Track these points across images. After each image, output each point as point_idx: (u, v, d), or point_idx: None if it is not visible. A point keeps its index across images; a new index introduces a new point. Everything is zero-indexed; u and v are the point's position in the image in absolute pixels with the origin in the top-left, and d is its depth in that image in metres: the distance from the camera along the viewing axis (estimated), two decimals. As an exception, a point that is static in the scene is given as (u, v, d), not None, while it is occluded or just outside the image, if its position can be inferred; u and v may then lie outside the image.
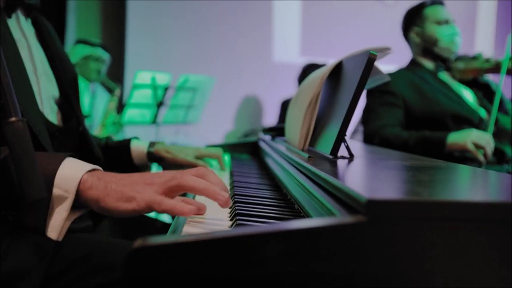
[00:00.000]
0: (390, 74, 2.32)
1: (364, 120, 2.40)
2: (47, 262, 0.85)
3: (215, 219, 0.83)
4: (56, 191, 0.77)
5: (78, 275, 0.95)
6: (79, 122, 1.26)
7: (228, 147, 2.00)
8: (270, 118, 4.80)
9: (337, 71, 1.17)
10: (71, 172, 0.78)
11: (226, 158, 1.77)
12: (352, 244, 0.50)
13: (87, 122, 3.53)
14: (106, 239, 1.11)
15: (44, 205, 0.76)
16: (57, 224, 0.79)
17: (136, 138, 1.52)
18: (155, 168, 1.61)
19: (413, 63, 2.43)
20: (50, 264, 0.90)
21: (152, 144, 1.48)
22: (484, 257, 0.51)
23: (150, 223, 1.49)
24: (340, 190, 0.61)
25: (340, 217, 0.53)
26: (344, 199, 0.59)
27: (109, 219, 1.40)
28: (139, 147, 1.47)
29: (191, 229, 0.75)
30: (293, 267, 0.49)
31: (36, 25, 1.21)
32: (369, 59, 0.96)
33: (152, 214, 3.33)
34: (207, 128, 4.37)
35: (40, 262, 0.83)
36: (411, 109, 2.23)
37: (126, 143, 1.49)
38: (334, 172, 0.75)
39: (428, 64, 2.38)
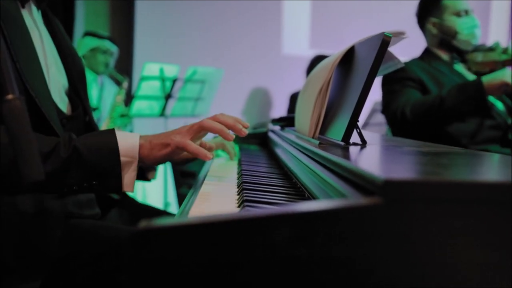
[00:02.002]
0: (405, 63, 2.25)
1: (385, 103, 2.26)
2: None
3: (222, 206, 0.80)
4: (123, 159, 0.98)
5: (86, 259, 0.95)
6: (85, 111, 1.26)
7: (236, 138, 1.96)
8: (279, 111, 4.76)
9: (349, 57, 1.13)
10: (129, 142, 1.00)
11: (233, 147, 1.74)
12: (367, 227, 0.47)
13: (95, 115, 3.52)
14: (114, 225, 1.11)
15: (117, 171, 0.98)
16: (130, 182, 1.00)
17: None
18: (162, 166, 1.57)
19: (428, 53, 2.34)
20: (60, 245, 0.92)
21: None
22: (510, 242, 0.47)
23: (156, 214, 1.47)
24: (354, 173, 0.58)
25: (355, 199, 0.49)
26: (359, 182, 0.55)
27: (116, 209, 1.39)
28: None
29: (198, 214, 0.72)
30: (304, 251, 0.46)
31: (45, 17, 1.22)
32: (383, 41, 0.92)
33: (160, 206, 3.31)
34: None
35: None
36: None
37: None
38: (347, 157, 0.72)
39: (443, 55, 2.30)
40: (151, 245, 0.44)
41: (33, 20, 1.14)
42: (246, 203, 0.77)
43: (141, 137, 1.03)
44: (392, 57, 1.16)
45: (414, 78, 2.17)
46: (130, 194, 1.50)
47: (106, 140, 0.98)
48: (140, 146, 1.01)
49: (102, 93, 3.66)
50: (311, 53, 4.35)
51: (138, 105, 3.25)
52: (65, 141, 0.95)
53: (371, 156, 0.78)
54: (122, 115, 3.45)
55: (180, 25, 4.58)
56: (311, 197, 0.86)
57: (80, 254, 0.94)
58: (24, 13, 1.11)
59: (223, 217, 0.45)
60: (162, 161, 1.05)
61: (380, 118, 3.39)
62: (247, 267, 0.45)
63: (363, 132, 1.00)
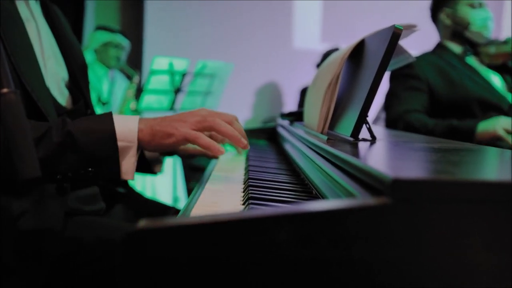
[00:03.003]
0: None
1: (387, 105, 2.30)
2: (61, 225, 0.94)
3: (227, 204, 0.78)
4: (121, 144, 0.93)
5: (86, 258, 0.93)
6: (87, 105, 1.24)
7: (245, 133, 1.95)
8: (290, 106, 4.72)
9: (359, 50, 1.10)
10: (127, 126, 0.94)
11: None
12: (375, 228, 0.44)
13: (105, 109, 3.52)
14: (116, 223, 1.09)
15: (115, 157, 0.92)
16: (129, 168, 0.95)
17: None
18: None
19: (440, 46, 2.31)
20: (60, 244, 0.90)
21: None
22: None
23: (163, 210, 1.45)
24: (361, 171, 0.55)
25: (361, 199, 0.47)
26: (367, 180, 0.53)
27: (122, 203, 1.38)
28: None
29: (200, 213, 0.70)
30: (309, 253, 0.43)
31: (44, 8, 1.19)
32: (394, 33, 0.89)
33: (170, 202, 3.28)
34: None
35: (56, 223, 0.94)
36: (436, 94, 2.13)
37: None
38: (355, 153, 0.69)
39: (456, 48, 2.26)
40: (147, 246, 0.43)
41: (30, 11, 1.10)
42: (251, 201, 0.75)
43: (141, 120, 0.96)
44: (403, 51, 1.13)
45: (420, 77, 2.15)
46: (136, 189, 1.48)
47: (102, 124, 0.93)
48: (139, 131, 0.94)
49: (113, 87, 3.65)
50: (323, 47, 4.30)
51: (147, 99, 3.25)
52: (58, 125, 0.91)
53: (380, 153, 0.75)
54: (132, 110, 3.45)
55: (190, 19, 4.56)
56: (318, 194, 0.84)
57: (81, 253, 0.92)
58: (20, 4, 1.07)
59: (221, 218, 0.43)
60: (164, 149, 0.99)
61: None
62: (247, 270, 0.43)
63: (373, 127, 0.98)
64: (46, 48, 1.12)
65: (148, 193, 3.27)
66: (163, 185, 3.43)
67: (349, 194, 0.58)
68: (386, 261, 0.45)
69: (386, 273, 0.45)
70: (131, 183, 1.47)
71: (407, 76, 2.17)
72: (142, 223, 0.43)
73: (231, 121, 0.99)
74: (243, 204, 0.78)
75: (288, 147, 1.43)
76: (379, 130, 1.37)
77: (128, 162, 0.94)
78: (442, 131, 1.99)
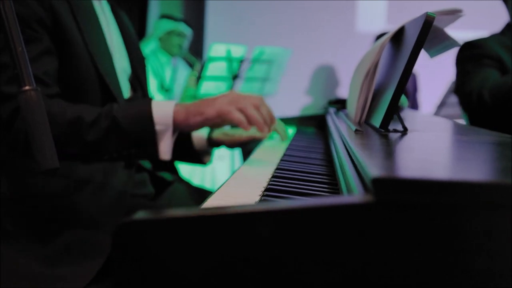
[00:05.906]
0: (482, 39, 2.07)
1: (458, 84, 2.06)
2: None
3: (245, 195, 0.80)
4: (158, 127, 1.04)
5: None
6: (145, 97, 1.35)
7: (295, 120, 1.95)
8: (352, 91, 4.63)
9: (400, 37, 1.07)
10: (163, 110, 1.04)
11: (290, 131, 1.73)
12: (355, 229, 0.44)
13: (168, 96, 3.64)
14: (162, 208, 1.15)
15: (153, 140, 1.04)
16: (166, 149, 1.05)
17: None
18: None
19: (509, 27, 2.15)
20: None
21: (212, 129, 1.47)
22: None
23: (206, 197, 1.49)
24: (361, 166, 0.55)
25: (344, 197, 0.47)
26: (363, 176, 0.53)
27: (171, 191, 1.43)
28: (200, 132, 1.47)
29: (215, 203, 0.72)
30: (284, 252, 0.44)
31: (112, 8, 1.32)
32: (426, 21, 0.86)
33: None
34: (285, 100, 4.30)
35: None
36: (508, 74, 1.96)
37: None
38: (368, 146, 0.68)
39: (527, 28, 2.10)
40: (130, 238, 0.45)
41: (102, 9, 1.23)
42: (266, 193, 0.76)
43: (177, 104, 1.07)
44: (446, 37, 1.09)
45: (491, 55, 1.99)
46: (184, 176, 1.54)
47: (141, 110, 1.04)
48: (175, 113, 1.05)
49: (175, 75, 3.77)
50: (388, 30, 4.16)
51: (205, 86, 3.32)
52: (106, 111, 1.03)
53: (398, 147, 0.73)
54: (192, 97, 3.55)
55: (249, 4, 4.57)
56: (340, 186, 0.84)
57: None
58: (94, 3, 1.21)
59: (201, 212, 0.45)
60: (199, 127, 1.08)
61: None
62: (231, 268, 0.45)
63: (423, 115, 0.95)
64: (114, 42, 1.24)
65: (207, 180, 3.37)
66: (222, 172, 3.51)
67: (351, 190, 0.58)
68: (368, 264, 0.44)
69: (366, 277, 0.45)
70: (179, 170, 1.53)
71: (477, 56, 2.00)
72: (138, 215, 0.45)
73: (259, 105, 1.06)
74: (262, 195, 0.79)
75: (329, 136, 1.42)
76: (425, 120, 1.32)
77: (165, 144, 1.04)
78: None
